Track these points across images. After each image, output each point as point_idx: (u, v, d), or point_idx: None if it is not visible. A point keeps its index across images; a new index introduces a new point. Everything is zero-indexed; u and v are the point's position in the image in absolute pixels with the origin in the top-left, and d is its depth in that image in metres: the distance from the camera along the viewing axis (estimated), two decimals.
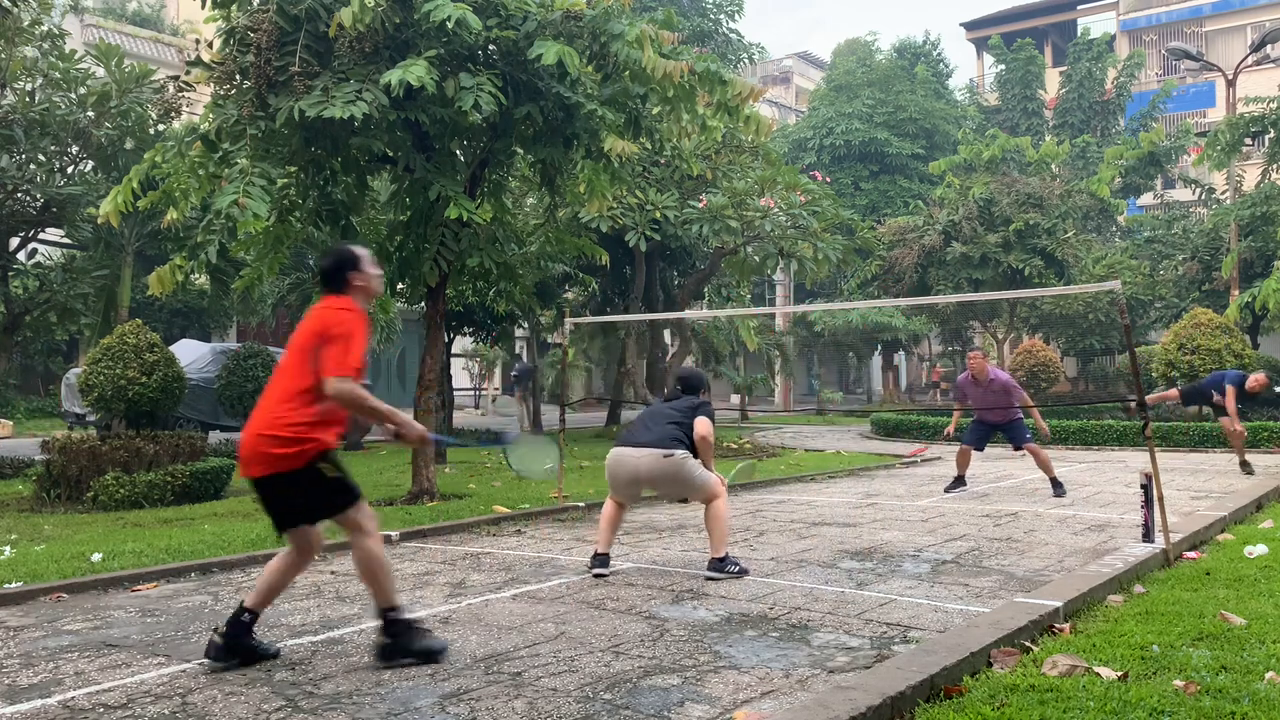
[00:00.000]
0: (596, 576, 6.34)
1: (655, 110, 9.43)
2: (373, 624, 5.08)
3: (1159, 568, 6.22)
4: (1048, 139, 32.63)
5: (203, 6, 8.93)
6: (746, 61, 32.00)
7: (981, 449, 10.87)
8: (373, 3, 7.64)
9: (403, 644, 4.36)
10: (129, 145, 12.68)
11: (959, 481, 10.80)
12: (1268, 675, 3.90)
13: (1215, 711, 3.52)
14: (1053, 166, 28.14)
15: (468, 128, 9.16)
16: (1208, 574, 5.92)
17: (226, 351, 16.01)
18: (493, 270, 9.82)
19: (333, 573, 6.52)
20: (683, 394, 6.87)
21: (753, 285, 28.23)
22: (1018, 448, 10.68)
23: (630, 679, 4.12)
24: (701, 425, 6.50)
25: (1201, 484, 11.12)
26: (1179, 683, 3.81)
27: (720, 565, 6.29)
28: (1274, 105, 18.17)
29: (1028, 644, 4.46)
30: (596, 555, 6.47)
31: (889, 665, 4.04)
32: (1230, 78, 20.57)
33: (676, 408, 6.68)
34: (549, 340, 29.85)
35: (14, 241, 13.45)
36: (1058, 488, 10.15)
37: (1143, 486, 6.89)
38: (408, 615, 4.49)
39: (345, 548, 7.28)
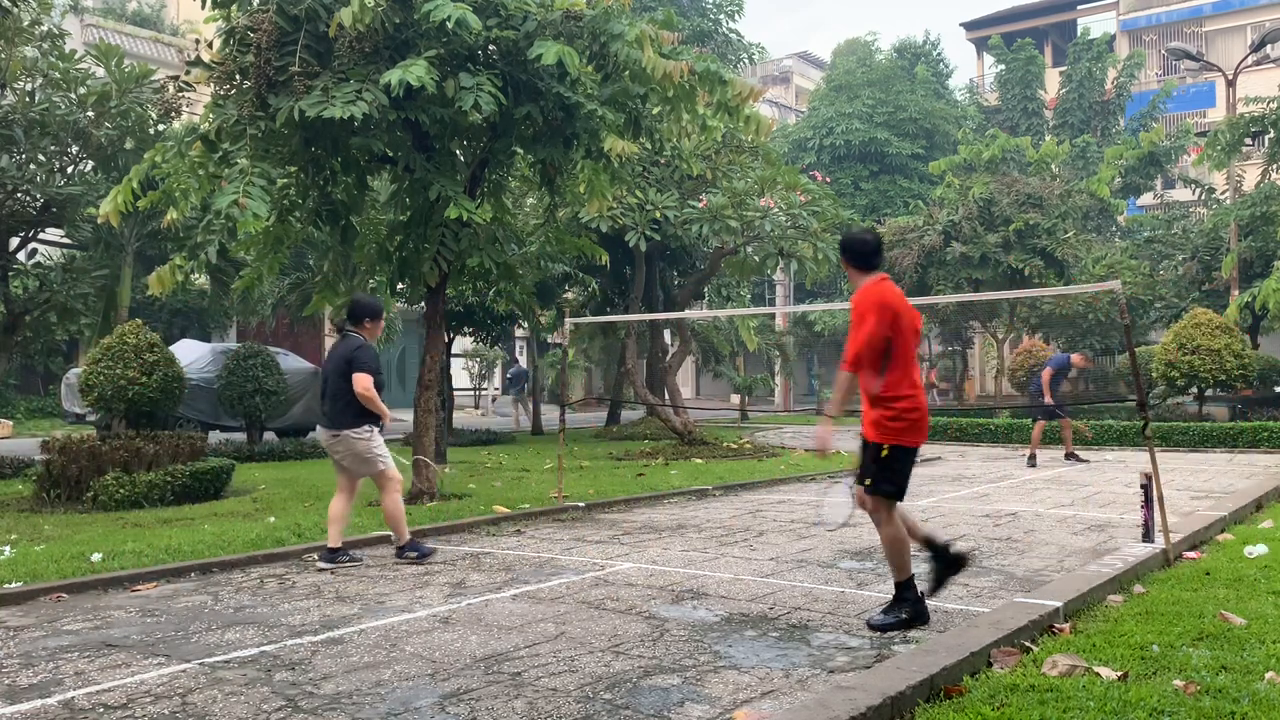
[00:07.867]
0: (319, 571, 6.51)
1: (655, 110, 9.43)
2: (374, 624, 5.10)
3: (1159, 568, 6.22)
4: (1048, 139, 32.58)
5: (203, 6, 8.93)
6: (746, 61, 32.03)
7: None
8: (373, 3, 7.64)
9: None
10: (129, 145, 12.67)
11: None
12: (1268, 675, 3.90)
13: (1215, 711, 3.52)
14: (1053, 166, 28.10)
15: (468, 128, 9.16)
16: (1208, 574, 5.92)
17: (226, 351, 16.00)
18: (493, 270, 9.81)
19: (332, 573, 6.52)
20: (348, 330, 6.34)
21: (753, 285, 28.24)
22: None
23: (630, 679, 4.12)
24: (358, 382, 5.99)
25: (1201, 484, 11.12)
26: (1179, 683, 3.81)
27: (402, 551, 6.64)
28: (1274, 105, 18.16)
29: (1028, 644, 4.46)
30: (325, 549, 6.62)
31: (889, 665, 4.05)
32: (1230, 78, 20.56)
33: (339, 360, 6.19)
34: (549, 340, 29.83)
35: (14, 241, 13.44)
36: None
37: (1143, 486, 6.90)
38: None
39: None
